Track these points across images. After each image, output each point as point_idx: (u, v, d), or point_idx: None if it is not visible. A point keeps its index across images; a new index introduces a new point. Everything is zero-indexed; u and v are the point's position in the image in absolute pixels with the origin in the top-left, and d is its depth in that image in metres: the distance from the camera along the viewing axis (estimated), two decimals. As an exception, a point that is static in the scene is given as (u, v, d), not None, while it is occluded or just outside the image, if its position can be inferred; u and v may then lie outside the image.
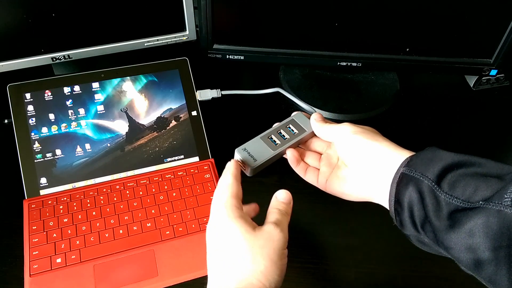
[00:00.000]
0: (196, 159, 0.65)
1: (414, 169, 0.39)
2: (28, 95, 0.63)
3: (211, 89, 0.72)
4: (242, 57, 0.70)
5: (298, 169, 0.51)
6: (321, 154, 0.51)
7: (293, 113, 0.53)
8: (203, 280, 0.54)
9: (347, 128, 0.47)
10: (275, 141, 0.50)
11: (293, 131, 0.51)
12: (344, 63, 0.70)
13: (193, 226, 0.58)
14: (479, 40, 0.66)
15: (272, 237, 0.39)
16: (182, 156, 0.65)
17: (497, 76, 0.78)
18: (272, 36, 0.68)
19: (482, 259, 0.34)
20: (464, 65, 0.69)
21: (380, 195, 0.43)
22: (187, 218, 0.58)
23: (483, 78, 0.80)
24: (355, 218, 0.61)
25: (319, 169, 0.50)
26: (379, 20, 0.64)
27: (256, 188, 0.64)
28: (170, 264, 0.54)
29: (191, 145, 0.65)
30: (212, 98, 0.71)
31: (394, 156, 0.42)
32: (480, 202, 0.34)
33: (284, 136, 0.50)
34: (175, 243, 0.56)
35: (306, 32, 0.67)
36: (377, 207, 0.61)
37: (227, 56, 0.70)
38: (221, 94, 0.72)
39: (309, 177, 0.50)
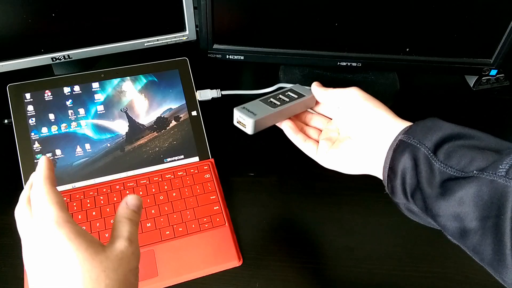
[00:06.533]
0: (196, 159, 0.65)
1: (412, 136, 0.39)
2: (28, 95, 0.63)
3: (211, 89, 0.72)
4: (242, 57, 0.70)
5: (297, 139, 0.49)
6: (321, 130, 0.50)
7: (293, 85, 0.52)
8: (203, 280, 0.54)
9: (356, 93, 0.45)
10: (274, 103, 0.49)
11: (292, 96, 0.50)
12: (344, 63, 0.70)
13: (193, 226, 0.58)
14: (479, 40, 0.66)
15: (127, 256, 0.33)
16: (182, 156, 0.65)
17: (497, 76, 0.78)
18: (272, 36, 0.68)
19: (468, 228, 0.34)
20: (464, 65, 0.69)
21: (378, 165, 0.42)
22: (187, 218, 0.58)
23: (483, 78, 0.80)
24: (355, 218, 0.61)
25: (318, 142, 0.48)
26: (379, 20, 0.64)
27: (255, 188, 0.64)
28: (170, 264, 0.54)
29: (191, 145, 0.65)
30: (212, 98, 0.71)
31: (396, 125, 0.42)
32: (474, 171, 0.34)
33: (283, 100, 0.49)
34: (175, 243, 0.56)
35: (306, 32, 0.67)
36: (377, 207, 0.61)
37: (227, 56, 0.70)
38: (221, 94, 0.72)
39: (308, 149, 0.48)
